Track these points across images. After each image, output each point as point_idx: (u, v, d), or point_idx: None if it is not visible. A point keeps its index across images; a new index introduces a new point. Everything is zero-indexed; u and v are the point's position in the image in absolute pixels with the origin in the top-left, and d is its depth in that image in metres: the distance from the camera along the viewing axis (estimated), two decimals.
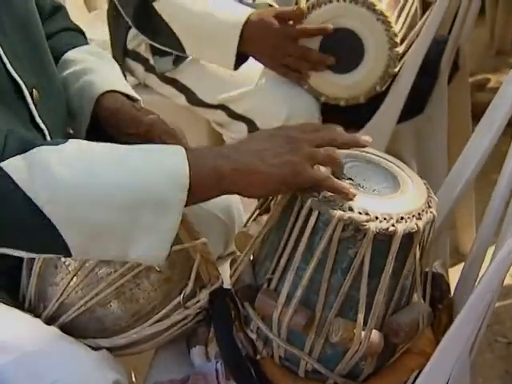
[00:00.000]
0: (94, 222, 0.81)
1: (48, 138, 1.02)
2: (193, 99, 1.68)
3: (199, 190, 0.83)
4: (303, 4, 1.48)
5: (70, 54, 1.16)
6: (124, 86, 1.15)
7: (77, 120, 1.12)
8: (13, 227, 0.82)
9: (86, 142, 0.85)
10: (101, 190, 0.80)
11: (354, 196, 0.84)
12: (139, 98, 1.16)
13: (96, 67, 1.14)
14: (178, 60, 1.67)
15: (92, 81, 1.12)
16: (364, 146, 0.90)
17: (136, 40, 1.70)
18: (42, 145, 0.82)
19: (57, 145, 0.83)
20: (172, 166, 0.82)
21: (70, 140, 0.85)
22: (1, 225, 0.82)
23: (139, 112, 1.09)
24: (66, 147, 0.83)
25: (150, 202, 0.81)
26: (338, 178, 0.86)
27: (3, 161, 0.80)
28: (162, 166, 0.82)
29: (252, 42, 1.48)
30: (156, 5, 1.53)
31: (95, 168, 0.81)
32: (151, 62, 1.70)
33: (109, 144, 0.86)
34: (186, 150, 0.83)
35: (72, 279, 0.94)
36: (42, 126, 1.01)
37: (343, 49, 1.49)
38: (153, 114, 1.09)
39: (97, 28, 1.91)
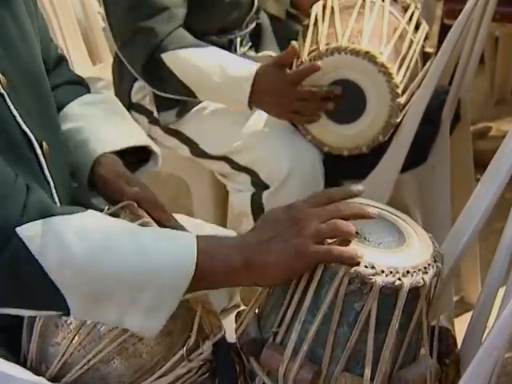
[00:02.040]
0: (98, 295, 0.85)
1: (54, 191, 1.03)
2: (196, 151, 1.70)
3: (206, 279, 0.86)
4: (305, 56, 1.51)
5: (68, 109, 1.17)
6: (126, 138, 1.16)
7: (77, 176, 1.14)
8: (20, 287, 0.85)
9: (102, 215, 0.90)
10: (109, 268, 0.84)
11: (359, 257, 0.84)
12: (142, 142, 1.17)
13: (90, 127, 1.15)
14: (182, 111, 1.68)
15: (90, 139, 1.12)
16: (370, 217, 0.88)
17: (140, 93, 1.72)
18: (60, 213, 0.86)
19: (74, 213, 0.87)
20: (181, 257, 0.85)
21: (89, 211, 0.89)
22: (10, 285, 0.85)
23: (125, 184, 1.10)
24: (83, 218, 0.87)
25: (152, 286, 0.85)
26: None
27: (21, 224, 0.84)
28: (172, 254, 0.86)
29: (259, 96, 1.51)
30: (164, 56, 1.55)
31: (107, 246, 0.85)
32: (155, 114, 1.71)
33: (124, 222, 0.91)
34: (198, 238, 0.86)
35: (74, 338, 0.93)
36: (50, 179, 1.02)
37: (345, 100, 1.50)
38: (139, 185, 1.10)
39: (101, 81, 1.93)
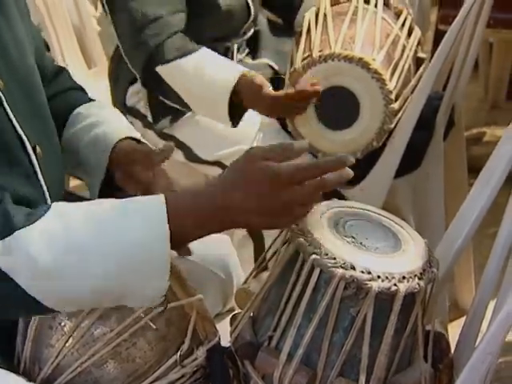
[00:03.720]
0: (83, 297, 0.85)
1: (47, 194, 1.03)
2: (190, 155, 1.70)
3: (184, 229, 0.84)
4: (298, 63, 1.51)
5: (80, 110, 1.18)
6: (135, 134, 1.17)
7: (92, 173, 1.13)
8: (3, 308, 0.86)
9: (63, 209, 0.86)
10: (83, 267, 0.83)
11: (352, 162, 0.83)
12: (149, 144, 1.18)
13: (107, 119, 1.16)
14: (176, 117, 1.69)
15: (105, 132, 1.13)
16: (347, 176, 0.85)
17: (135, 97, 1.73)
18: (23, 224, 0.84)
19: (35, 220, 0.84)
20: (150, 222, 0.83)
21: (52, 208, 0.86)
22: None
23: (139, 168, 1.10)
24: (45, 222, 0.84)
25: (134, 263, 0.83)
26: None
27: None
28: (139, 224, 0.83)
29: (244, 101, 1.51)
30: (159, 70, 1.56)
31: (74, 245, 0.83)
32: (149, 118, 1.72)
33: (86, 208, 0.87)
34: (166, 196, 0.84)
35: (68, 340, 0.93)
36: (42, 182, 1.02)
37: (339, 106, 1.51)
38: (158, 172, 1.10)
39: (96, 85, 1.94)
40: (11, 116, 0.97)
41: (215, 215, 0.84)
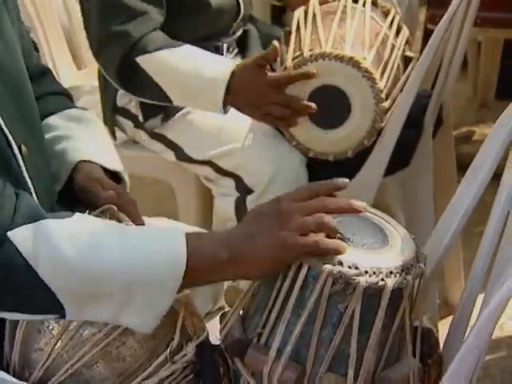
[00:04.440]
0: (91, 295, 0.86)
1: (34, 195, 1.03)
2: (181, 155, 1.70)
3: (196, 275, 0.87)
4: (289, 62, 1.51)
5: (52, 119, 1.18)
6: (100, 154, 1.17)
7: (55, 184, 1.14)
8: (13, 292, 0.86)
9: (91, 217, 0.91)
10: (100, 268, 0.85)
11: (344, 248, 0.85)
12: (117, 168, 1.17)
13: (74, 134, 1.16)
14: (167, 117, 1.69)
15: (69, 148, 1.14)
16: (359, 212, 0.89)
17: (126, 97, 1.72)
18: (49, 217, 0.87)
19: (64, 218, 0.88)
20: (171, 252, 0.86)
21: (77, 214, 0.89)
22: (2, 289, 0.86)
23: (100, 188, 1.11)
24: (73, 221, 0.88)
25: (146, 282, 0.86)
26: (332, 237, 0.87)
27: (12, 228, 0.85)
28: (162, 249, 0.86)
29: (236, 96, 1.49)
30: (139, 60, 1.54)
31: (98, 246, 0.86)
32: (140, 118, 1.71)
33: (113, 222, 0.93)
34: (188, 236, 0.87)
35: (56, 343, 0.93)
36: (29, 183, 1.02)
37: (330, 105, 1.51)
38: (115, 189, 1.11)
39: (86, 86, 1.94)
40: None
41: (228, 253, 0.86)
